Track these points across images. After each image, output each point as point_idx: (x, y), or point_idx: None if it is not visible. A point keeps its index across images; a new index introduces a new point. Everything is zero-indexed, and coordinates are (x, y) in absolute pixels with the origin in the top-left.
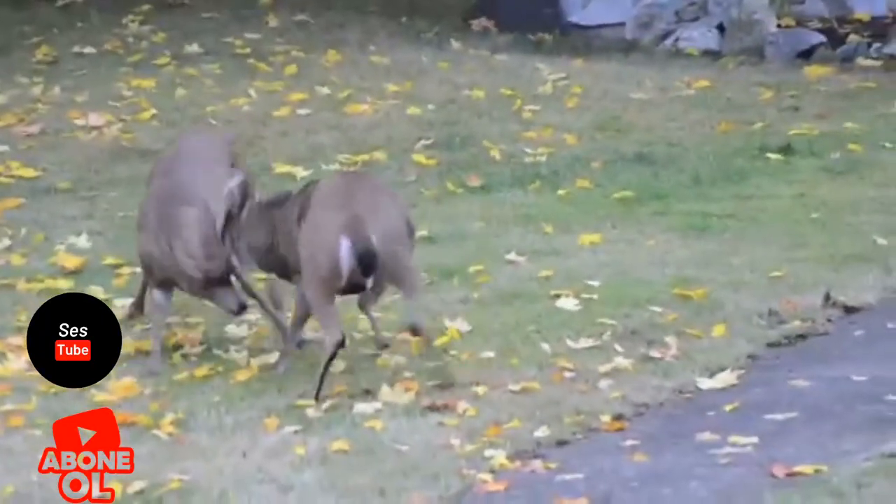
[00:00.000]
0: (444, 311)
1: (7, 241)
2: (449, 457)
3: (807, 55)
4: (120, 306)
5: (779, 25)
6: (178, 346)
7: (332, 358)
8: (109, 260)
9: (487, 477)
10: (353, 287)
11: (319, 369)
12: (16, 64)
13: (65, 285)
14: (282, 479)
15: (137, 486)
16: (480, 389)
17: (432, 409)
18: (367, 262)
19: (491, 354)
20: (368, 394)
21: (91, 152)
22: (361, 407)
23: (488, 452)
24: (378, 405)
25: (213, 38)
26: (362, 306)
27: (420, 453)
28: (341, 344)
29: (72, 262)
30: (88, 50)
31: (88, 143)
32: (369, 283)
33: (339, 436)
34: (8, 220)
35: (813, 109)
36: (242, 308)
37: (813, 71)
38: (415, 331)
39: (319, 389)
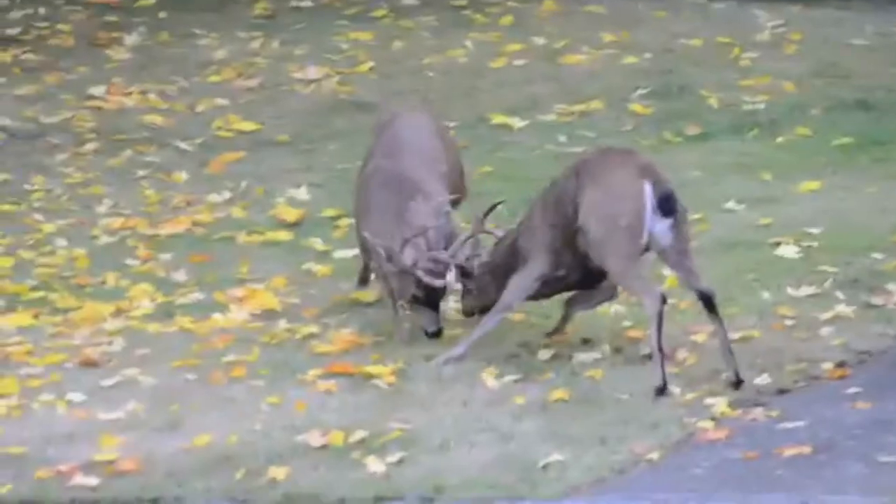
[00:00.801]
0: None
1: (227, 195)
2: (669, 405)
3: None
4: (339, 258)
5: None
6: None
7: (660, 321)
8: (328, 212)
9: (708, 425)
10: (654, 240)
11: (652, 341)
12: (234, 19)
13: (284, 237)
14: (502, 428)
15: (359, 435)
16: (700, 338)
17: (652, 357)
18: (667, 200)
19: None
20: (587, 343)
21: (309, 105)
22: (581, 356)
23: (709, 401)
24: (597, 354)
25: None
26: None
27: (640, 402)
28: (664, 300)
29: (291, 214)
30: (306, 4)
31: (306, 97)
32: (668, 227)
33: (558, 385)
34: (228, 173)
35: None
36: (439, 332)
37: None
38: (706, 298)
39: (663, 363)
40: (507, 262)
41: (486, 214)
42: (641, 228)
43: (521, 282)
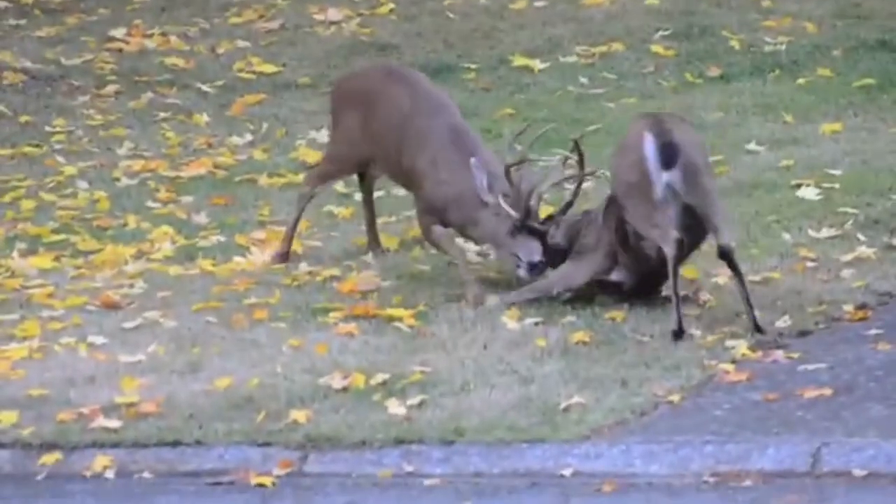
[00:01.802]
0: None
1: (249, 137)
2: (690, 347)
3: None
4: (360, 201)
5: None
6: (419, 240)
7: (676, 265)
8: None
9: (729, 367)
10: (671, 192)
11: (669, 282)
12: None
13: None
14: (522, 370)
15: (380, 377)
16: (721, 280)
17: None
18: (668, 151)
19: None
20: None
21: (330, 47)
22: (602, 298)
23: (729, 343)
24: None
25: None
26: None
27: (661, 344)
28: (681, 246)
29: (312, 156)
30: None
31: (328, 38)
32: (674, 178)
33: (579, 327)
34: (249, 115)
35: None
36: (540, 265)
37: None
38: (726, 256)
39: (679, 307)
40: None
41: (581, 162)
42: (650, 179)
43: (570, 273)
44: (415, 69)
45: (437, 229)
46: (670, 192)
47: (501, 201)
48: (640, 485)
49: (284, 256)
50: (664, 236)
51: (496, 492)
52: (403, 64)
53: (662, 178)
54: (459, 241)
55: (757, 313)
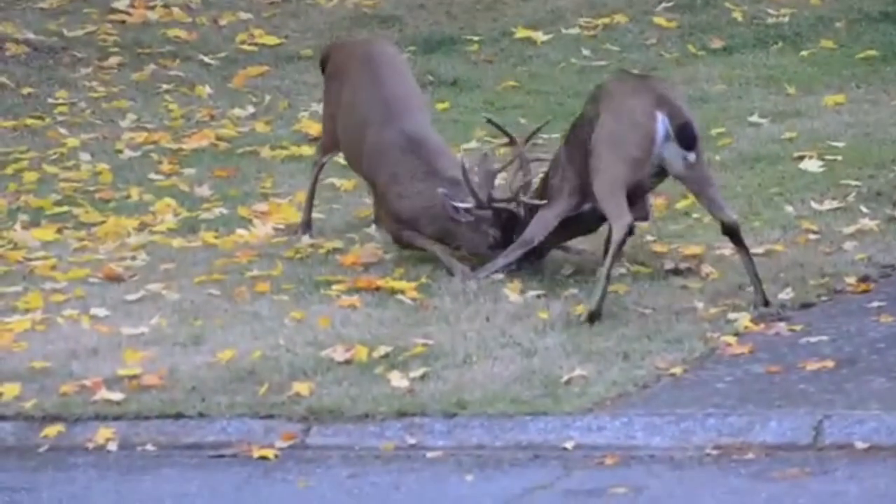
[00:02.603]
0: None
1: (251, 109)
2: (692, 319)
3: None
4: None
5: None
6: None
7: (619, 249)
8: None
9: (731, 340)
10: (671, 168)
11: (604, 266)
12: None
13: (308, 152)
14: (525, 342)
15: (382, 350)
16: (723, 252)
17: (675, 272)
18: (686, 132)
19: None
20: None
21: (333, 19)
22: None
23: (732, 315)
24: (621, 269)
25: None
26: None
27: (663, 317)
28: (631, 231)
29: (315, 128)
30: None
31: (330, 10)
32: (687, 156)
33: (581, 300)
34: (252, 87)
35: None
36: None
37: None
38: (732, 232)
39: (604, 290)
40: (542, 196)
41: (529, 139)
42: (646, 160)
43: (543, 218)
44: (416, 42)
45: (406, 233)
46: (673, 168)
47: (441, 191)
48: (642, 457)
49: (306, 226)
50: (620, 216)
51: (498, 464)
52: (403, 37)
53: (669, 154)
54: None
55: (763, 287)
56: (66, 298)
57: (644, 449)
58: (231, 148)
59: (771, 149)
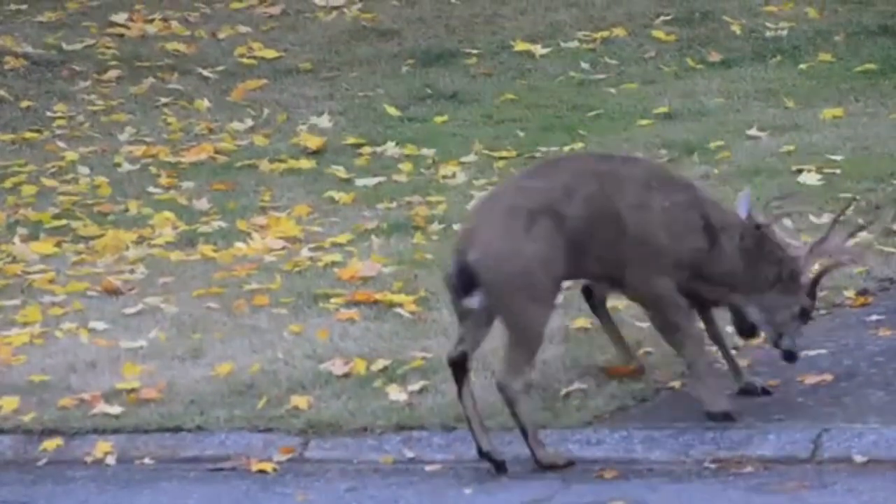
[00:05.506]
0: None
1: (250, 122)
2: None
3: None
4: (361, 186)
5: None
6: (418, 227)
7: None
8: (350, 140)
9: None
10: None
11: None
12: None
13: (307, 165)
14: None
15: (381, 363)
16: None
17: None
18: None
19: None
20: None
21: (332, 32)
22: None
23: (730, 328)
24: None
25: None
26: None
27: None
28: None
29: (314, 142)
30: None
31: (329, 24)
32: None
33: (580, 314)
34: (250, 100)
35: None
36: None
37: None
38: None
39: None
40: None
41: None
42: None
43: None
44: (415, 55)
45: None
46: None
47: None
48: (641, 471)
49: None
50: None
51: (497, 478)
52: (402, 51)
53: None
54: None
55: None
56: (64, 312)
57: (643, 462)
58: (230, 161)
59: (769, 162)
